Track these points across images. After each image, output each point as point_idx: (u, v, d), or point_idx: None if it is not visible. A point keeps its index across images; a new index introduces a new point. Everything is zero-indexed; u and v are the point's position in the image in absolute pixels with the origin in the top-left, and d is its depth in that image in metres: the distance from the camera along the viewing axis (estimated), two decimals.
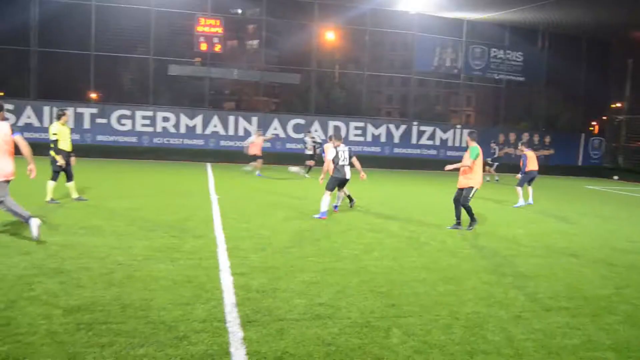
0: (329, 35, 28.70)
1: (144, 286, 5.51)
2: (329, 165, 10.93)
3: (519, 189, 14.36)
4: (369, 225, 10.07)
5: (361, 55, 29.36)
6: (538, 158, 15.39)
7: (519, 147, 15.43)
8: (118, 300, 5.03)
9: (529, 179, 14.52)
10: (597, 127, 35.15)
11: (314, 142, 19.97)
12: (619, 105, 33.03)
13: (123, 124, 24.03)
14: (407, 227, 10.02)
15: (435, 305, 5.48)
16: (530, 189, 14.74)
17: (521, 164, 14.64)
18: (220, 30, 24.84)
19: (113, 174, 16.99)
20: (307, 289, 5.77)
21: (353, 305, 5.31)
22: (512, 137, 27.29)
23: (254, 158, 18.60)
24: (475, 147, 9.88)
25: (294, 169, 18.80)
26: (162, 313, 4.79)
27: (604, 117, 33.51)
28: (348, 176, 10.85)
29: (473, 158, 9.76)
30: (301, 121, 26.09)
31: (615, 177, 29.51)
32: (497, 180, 21.77)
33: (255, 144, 18.71)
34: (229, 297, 5.32)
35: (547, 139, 29.53)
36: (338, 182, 10.83)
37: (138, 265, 6.27)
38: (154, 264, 6.38)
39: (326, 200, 10.48)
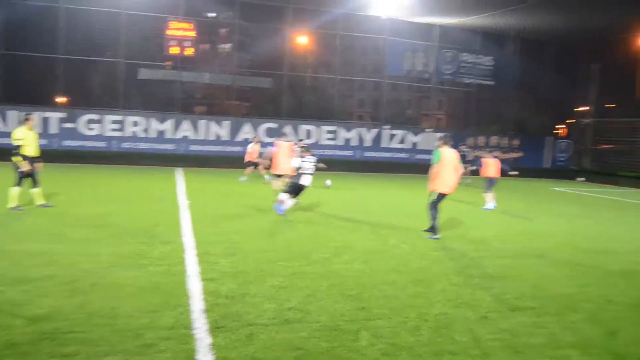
0: (301, 40, 28.73)
1: (110, 294, 5.42)
2: (294, 172, 11.18)
3: (486, 193, 14.57)
4: (339, 228, 10.09)
5: (333, 60, 29.47)
6: (507, 161, 15.61)
7: (478, 153, 15.69)
8: (83, 309, 4.94)
9: (493, 184, 14.69)
10: (564, 130, 35.94)
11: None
12: (585, 108, 33.84)
13: (91, 129, 23.63)
14: (378, 230, 10.07)
15: (405, 308, 5.52)
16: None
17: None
18: (192, 33, 24.68)
19: (80, 180, 16.68)
20: (276, 293, 5.75)
21: (323, 309, 5.32)
22: (481, 140, 27.77)
23: (249, 164, 18.73)
24: (437, 151, 9.75)
25: (328, 182, 18.10)
26: (129, 321, 4.72)
27: (571, 121, 34.25)
28: (305, 183, 11.15)
29: (433, 162, 9.66)
30: (273, 125, 26.03)
31: (581, 179, 30.20)
32: (469, 183, 21.92)
33: (254, 151, 18.80)
34: (197, 303, 5.27)
35: (516, 142, 30.04)
36: (295, 187, 11.16)
37: (104, 273, 6.17)
38: (120, 271, 6.29)
39: (283, 196, 11.05)
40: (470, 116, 31.90)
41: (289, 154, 14.16)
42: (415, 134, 28.75)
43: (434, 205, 9.74)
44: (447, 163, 9.66)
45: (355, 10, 26.23)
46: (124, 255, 7.00)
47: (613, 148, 30.84)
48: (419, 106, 51.33)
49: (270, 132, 25.85)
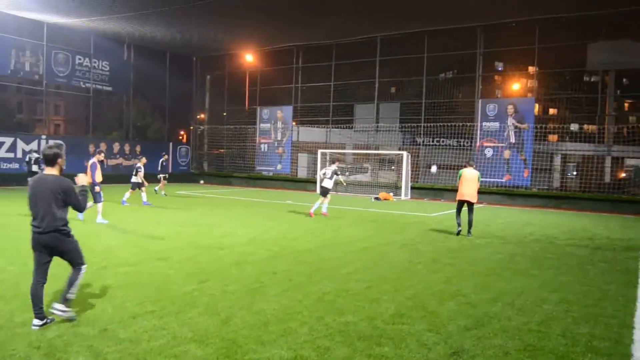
0: None
1: None
2: None
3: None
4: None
5: None
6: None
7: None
8: None
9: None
10: (185, 136, 38.15)
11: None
12: (202, 116, 36.61)
13: None
14: None
15: (12, 338, 4.86)
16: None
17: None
18: None
19: None
20: None
21: None
22: (103, 146, 27.07)
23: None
24: None
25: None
26: None
27: (190, 127, 36.55)
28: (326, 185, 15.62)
29: None
30: None
31: (202, 182, 32.51)
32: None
33: None
34: None
35: (138, 148, 30.27)
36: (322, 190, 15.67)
37: None
38: None
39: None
40: (89, 122, 30.67)
41: None
42: (28, 141, 26.02)
43: None
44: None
45: None
46: None
47: (225, 152, 34.27)
48: (33, 110, 46.82)
49: None
